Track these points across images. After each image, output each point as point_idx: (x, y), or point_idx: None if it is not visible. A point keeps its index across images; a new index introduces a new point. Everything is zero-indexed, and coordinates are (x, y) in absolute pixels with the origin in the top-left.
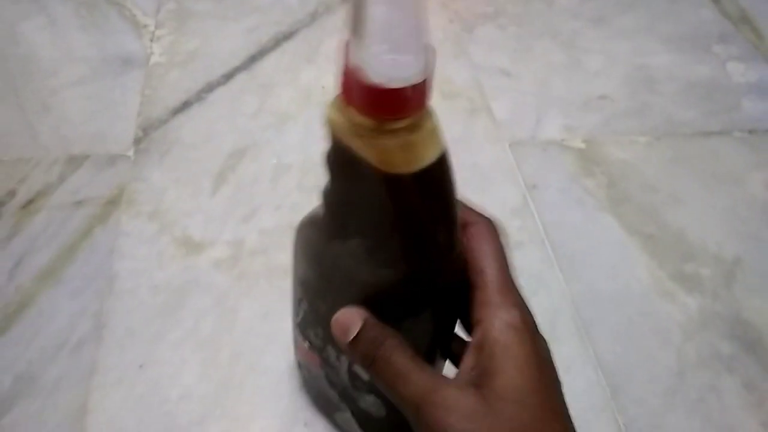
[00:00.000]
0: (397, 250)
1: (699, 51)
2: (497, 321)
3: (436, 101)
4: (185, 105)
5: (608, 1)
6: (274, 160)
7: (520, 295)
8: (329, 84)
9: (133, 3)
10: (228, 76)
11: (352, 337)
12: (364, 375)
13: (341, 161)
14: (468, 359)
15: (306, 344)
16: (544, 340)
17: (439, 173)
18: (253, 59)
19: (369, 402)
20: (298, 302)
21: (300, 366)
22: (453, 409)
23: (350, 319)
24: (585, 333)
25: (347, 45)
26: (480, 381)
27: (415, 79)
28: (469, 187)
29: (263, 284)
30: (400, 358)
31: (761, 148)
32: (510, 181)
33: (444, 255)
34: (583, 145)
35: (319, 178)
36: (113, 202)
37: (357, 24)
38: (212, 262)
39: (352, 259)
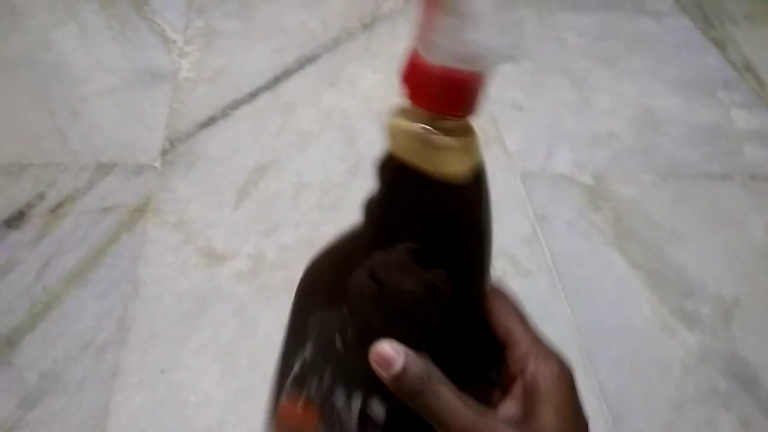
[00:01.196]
0: (443, 253)
1: (704, 96)
2: (541, 371)
3: None
4: (211, 120)
5: (618, 42)
6: (296, 178)
7: (553, 347)
8: (350, 107)
9: (163, 18)
10: (253, 95)
11: (397, 370)
12: (380, 415)
13: (398, 167)
14: (509, 406)
15: (300, 403)
16: (577, 388)
17: (485, 180)
18: (278, 79)
19: None
20: (292, 358)
21: None
22: None
23: (391, 352)
24: (589, 363)
25: (424, 43)
26: (521, 422)
27: (514, 56)
28: None
29: (282, 297)
30: (447, 392)
31: (762, 193)
32: (520, 211)
33: (486, 264)
34: (591, 181)
35: (338, 197)
36: (140, 211)
37: (457, 24)
38: (234, 274)
39: (395, 266)
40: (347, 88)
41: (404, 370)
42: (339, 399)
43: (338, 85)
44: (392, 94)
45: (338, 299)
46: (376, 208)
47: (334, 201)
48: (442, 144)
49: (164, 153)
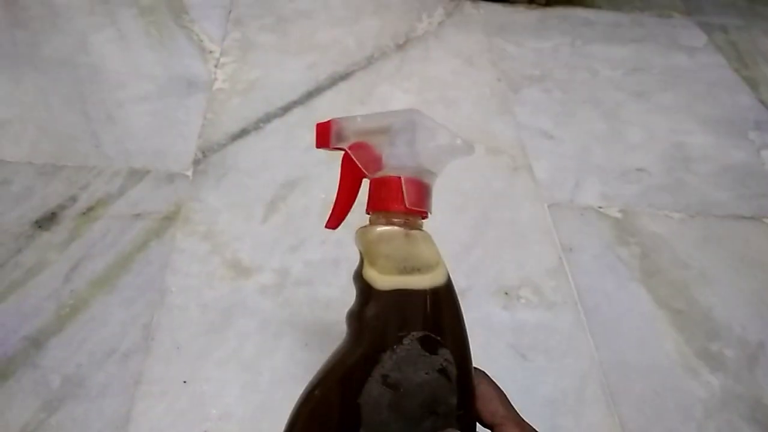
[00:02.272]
0: (445, 333)
1: (735, 135)
2: None
3: (480, 155)
4: (243, 132)
5: (650, 77)
6: (323, 195)
7: (530, 426)
8: None
9: (201, 29)
10: (285, 109)
11: None
12: None
13: (381, 275)
14: None
15: None
16: None
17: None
18: (310, 95)
19: None
20: None
21: None
22: None
23: None
24: (611, 400)
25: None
26: None
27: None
28: (507, 243)
29: (306, 314)
30: None
31: None
32: (547, 242)
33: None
34: (619, 215)
35: (364, 217)
36: (170, 219)
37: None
38: (259, 287)
39: (409, 361)
40: (378, 107)
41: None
42: None
43: (369, 103)
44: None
45: (354, 424)
46: (368, 316)
47: (360, 221)
48: (418, 234)
49: (196, 162)
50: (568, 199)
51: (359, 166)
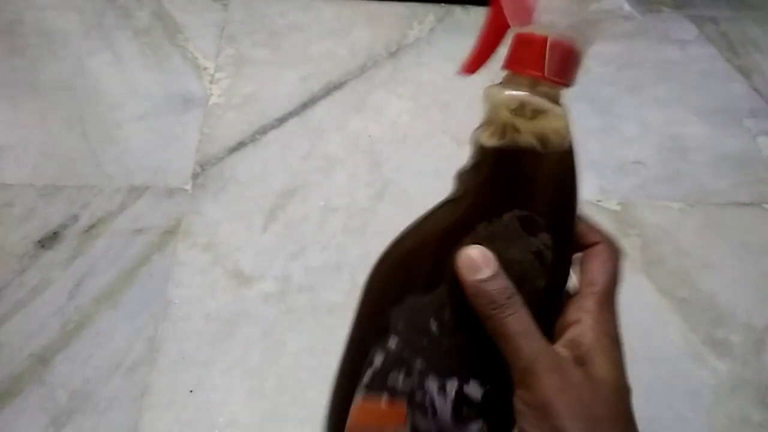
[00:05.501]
0: (550, 218)
1: (730, 124)
2: (598, 327)
3: None
4: (240, 145)
5: (643, 71)
6: (322, 202)
7: (615, 310)
8: (376, 133)
9: (195, 47)
10: (281, 120)
11: (485, 276)
12: (477, 393)
13: (499, 136)
14: (562, 349)
15: (383, 400)
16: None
17: (575, 148)
18: (305, 105)
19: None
20: (368, 354)
21: None
22: (565, 374)
23: (482, 258)
24: None
25: (522, 17)
26: (580, 364)
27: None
28: None
29: (309, 320)
30: (525, 315)
31: None
32: None
33: (575, 225)
34: (618, 207)
35: (364, 222)
36: (171, 233)
37: None
38: (261, 296)
39: (503, 235)
40: (373, 114)
41: (492, 278)
42: (432, 386)
43: (364, 111)
44: (417, 120)
45: (434, 281)
46: (477, 180)
47: (360, 225)
48: (544, 106)
49: (195, 176)
50: None
51: (505, 13)
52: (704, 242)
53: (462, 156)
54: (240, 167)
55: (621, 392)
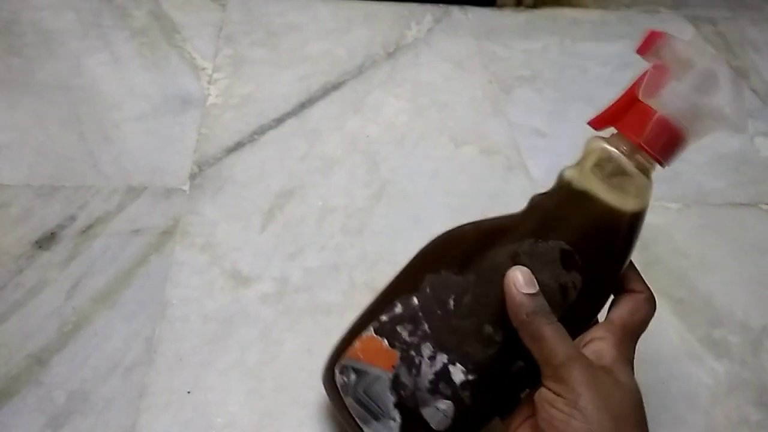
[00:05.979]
0: (586, 263)
1: None
2: (619, 347)
3: (474, 156)
4: (238, 145)
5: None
6: (320, 202)
7: (634, 349)
8: (374, 133)
9: (193, 47)
10: (279, 120)
11: (533, 291)
12: (458, 377)
13: (580, 178)
14: (590, 354)
15: (384, 342)
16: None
17: (642, 221)
18: (303, 106)
19: (438, 409)
20: (396, 299)
21: (343, 370)
22: (596, 371)
23: (529, 279)
24: None
25: (650, 90)
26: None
27: (744, 130)
28: None
29: (307, 320)
30: (561, 326)
31: None
32: None
33: (611, 285)
34: None
35: (362, 222)
36: (168, 233)
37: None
38: (259, 296)
39: (541, 259)
40: (371, 114)
41: (536, 294)
42: (425, 351)
43: (362, 111)
44: (415, 121)
45: (468, 267)
46: (544, 204)
47: (358, 225)
48: (629, 170)
49: (192, 177)
50: None
51: (639, 86)
52: (702, 242)
53: (460, 156)
54: (238, 168)
55: (641, 401)
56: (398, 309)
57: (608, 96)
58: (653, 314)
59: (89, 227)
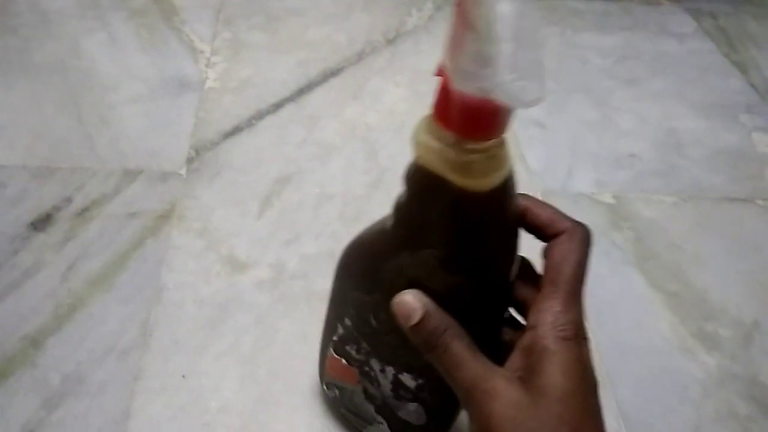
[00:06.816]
0: (468, 260)
1: (726, 119)
2: (551, 333)
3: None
4: (236, 130)
5: (640, 64)
6: (317, 189)
7: (579, 306)
8: (372, 120)
9: (192, 29)
10: (277, 106)
11: (415, 322)
12: (411, 383)
13: (424, 178)
14: (516, 358)
15: (342, 361)
16: (588, 347)
17: (509, 191)
18: (302, 91)
19: (410, 410)
20: (336, 321)
21: (328, 386)
22: (500, 396)
23: (413, 304)
24: (609, 382)
25: (453, 73)
26: (526, 377)
27: (538, 101)
28: None
29: (302, 307)
30: (458, 347)
31: None
32: None
33: (508, 266)
34: (612, 200)
35: (359, 209)
36: (165, 217)
37: (482, 56)
38: (255, 282)
39: (422, 269)
40: (370, 101)
41: (421, 322)
42: (375, 365)
43: (361, 98)
44: (414, 109)
45: (372, 286)
46: (403, 212)
47: (355, 213)
48: (463, 161)
49: (189, 161)
50: (561, 187)
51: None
52: (697, 237)
53: None
54: (235, 152)
55: (567, 399)
56: (341, 330)
57: (608, 87)
58: (588, 242)
59: (85, 209)
